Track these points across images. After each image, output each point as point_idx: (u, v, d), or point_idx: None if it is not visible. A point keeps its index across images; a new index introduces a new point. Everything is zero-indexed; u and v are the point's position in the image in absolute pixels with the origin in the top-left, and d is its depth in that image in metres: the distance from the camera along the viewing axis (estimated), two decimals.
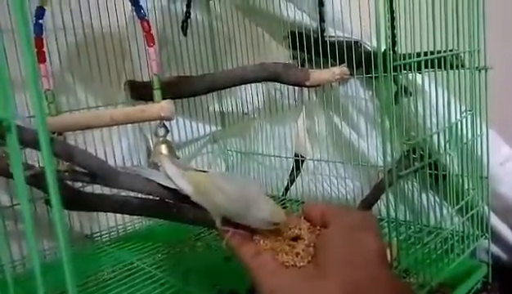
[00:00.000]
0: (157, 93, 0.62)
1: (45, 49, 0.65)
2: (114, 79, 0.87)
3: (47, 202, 0.57)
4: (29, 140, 0.32)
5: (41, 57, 0.67)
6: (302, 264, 0.36)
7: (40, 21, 0.64)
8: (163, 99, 0.62)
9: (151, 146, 0.91)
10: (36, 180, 0.41)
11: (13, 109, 0.18)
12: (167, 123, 0.64)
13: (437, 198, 0.75)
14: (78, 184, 0.60)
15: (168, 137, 0.65)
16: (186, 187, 0.45)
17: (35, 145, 0.33)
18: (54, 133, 0.65)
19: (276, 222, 0.40)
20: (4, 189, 0.76)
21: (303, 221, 0.40)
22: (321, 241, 0.37)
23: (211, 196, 0.42)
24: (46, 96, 0.67)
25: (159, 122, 0.62)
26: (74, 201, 0.56)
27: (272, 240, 0.39)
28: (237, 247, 0.40)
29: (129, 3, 0.74)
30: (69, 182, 0.54)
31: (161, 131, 0.63)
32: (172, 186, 0.47)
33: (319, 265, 0.35)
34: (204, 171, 0.49)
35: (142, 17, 0.62)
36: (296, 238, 0.39)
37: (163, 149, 0.62)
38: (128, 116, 0.61)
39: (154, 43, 0.63)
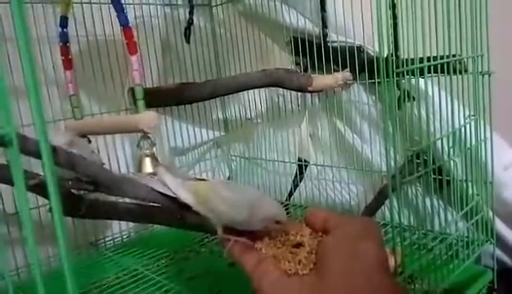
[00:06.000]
0: (140, 104, 0.58)
1: (71, 56, 0.66)
2: (117, 86, 0.88)
3: (51, 209, 0.58)
4: (30, 150, 0.32)
5: (67, 64, 0.68)
6: (304, 272, 0.36)
7: (65, 30, 0.65)
8: (165, 106, 0.61)
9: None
10: (40, 188, 0.41)
11: (14, 123, 0.18)
12: (172, 133, 0.62)
13: (441, 203, 0.75)
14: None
15: (171, 145, 0.63)
16: (187, 197, 0.45)
17: (37, 155, 0.33)
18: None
19: (278, 220, 0.40)
20: (9, 196, 0.77)
21: (304, 228, 0.40)
22: (322, 249, 0.37)
23: (214, 206, 0.42)
24: (71, 102, 0.68)
25: (142, 133, 0.58)
26: (78, 208, 0.56)
27: (274, 248, 0.39)
28: (239, 256, 0.39)
29: (132, 11, 0.74)
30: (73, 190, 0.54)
31: (144, 144, 0.58)
32: (174, 195, 0.47)
33: (320, 274, 0.35)
34: (204, 180, 0.49)
35: (125, 25, 0.60)
36: (298, 245, 0.39)
37: (148, 163, 0.57)
38: (111, 125, 0.61)
39: (136, 52, 0.59)
